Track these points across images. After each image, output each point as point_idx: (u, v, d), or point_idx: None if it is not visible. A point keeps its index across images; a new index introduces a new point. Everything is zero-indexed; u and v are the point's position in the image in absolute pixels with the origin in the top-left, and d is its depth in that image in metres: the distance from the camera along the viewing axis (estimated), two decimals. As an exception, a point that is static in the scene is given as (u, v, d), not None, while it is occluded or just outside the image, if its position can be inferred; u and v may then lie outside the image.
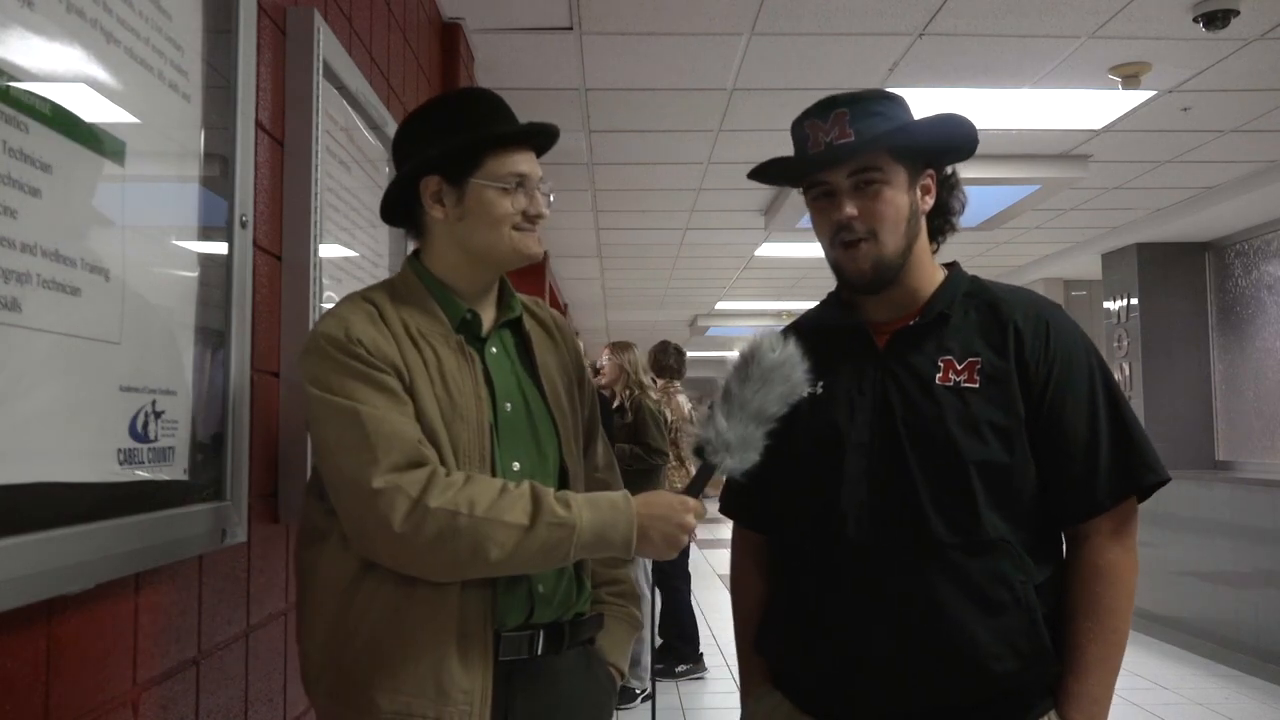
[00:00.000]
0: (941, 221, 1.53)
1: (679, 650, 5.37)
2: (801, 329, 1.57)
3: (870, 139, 1.41)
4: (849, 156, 1.42)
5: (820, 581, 1.44)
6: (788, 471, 1.47)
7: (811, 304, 1.65)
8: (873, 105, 1.43)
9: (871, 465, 1.41)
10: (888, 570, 1.38)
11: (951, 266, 1.55)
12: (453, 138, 1.44)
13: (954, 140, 1.49)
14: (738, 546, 1.65)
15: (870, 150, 1.41)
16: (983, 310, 1.47)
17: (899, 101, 1.47)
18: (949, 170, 1.53)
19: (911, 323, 1.47)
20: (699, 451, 1.40)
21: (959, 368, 1.42)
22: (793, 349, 1.39)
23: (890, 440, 1.41)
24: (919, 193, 1.48)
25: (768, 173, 1.54)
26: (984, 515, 1.37)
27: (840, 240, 1.44)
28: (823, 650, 1.43)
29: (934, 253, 1.54)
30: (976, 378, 1.41)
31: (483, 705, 1.34)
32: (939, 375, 1.42)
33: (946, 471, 1.38)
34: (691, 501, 1.38)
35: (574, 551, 1.32)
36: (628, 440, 4.93)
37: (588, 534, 1.31)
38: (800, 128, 1.47)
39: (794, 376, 1.39)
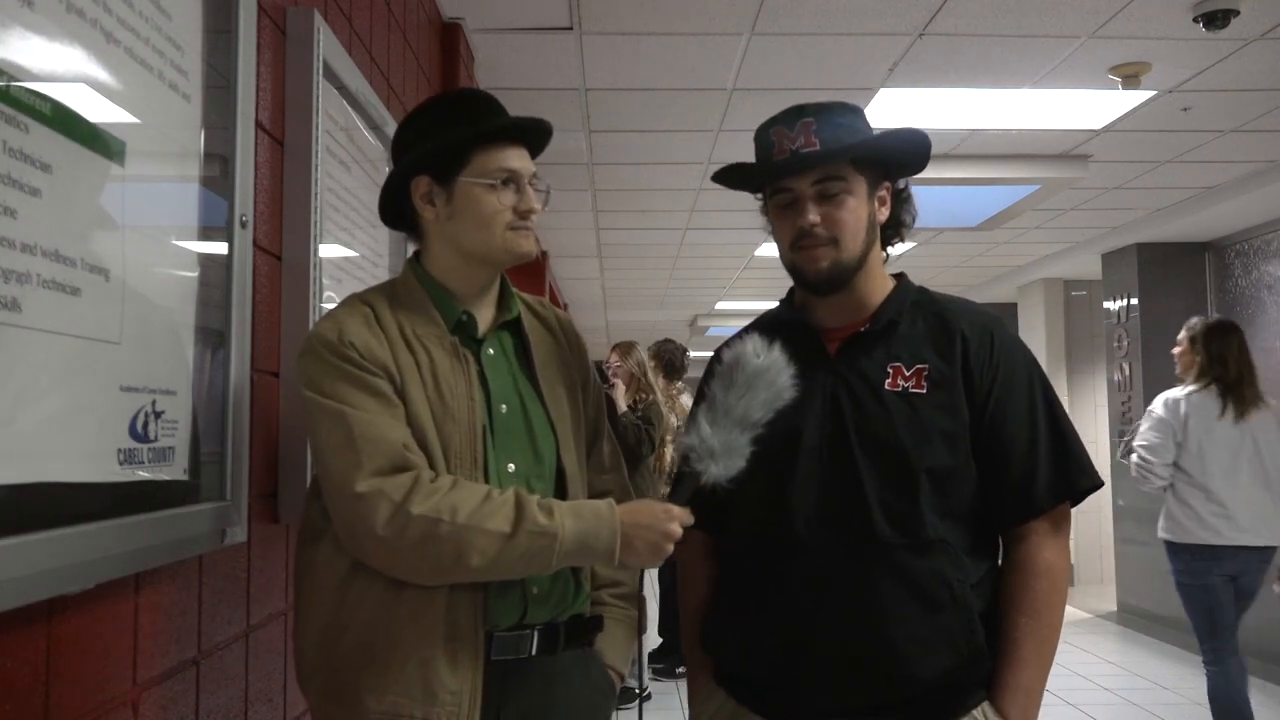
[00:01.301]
0: (892, 232, 1.59)
1: (681, 653, 5.37)
2: (753, 332, 1.59)
3: (835, 149, 1.46)
4: (814, 164, 1.46)
5: (767, 579, 1.47)
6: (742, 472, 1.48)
7: None
8: (837, 116, 1.49)
9: (822, 467, 1.46)
10: (833, 569, 1.42)
11: (899, 276, 1.60)
12: (441, 137, 1.44)
13: (911, 154, 1.55)
14: (685, 548, 1.66)
15: (835, 159, 1.47)
16: (930, 319, 1.52)
17: (860, 114, 1.53)
18: (902, 184, 1.59)
19: (862, 329, 1.52)
20: (684, 458, 1.40)
21: (907, 374, 1.47)
22: (777, 354, 1.41)
23: (840, 443, 1.45)
24: (876, 203, 1.53)
25: (731, 177, 1.59)
26: (927, 517, 1.42)
27: (800, 245, 1.49)
28: (767, 646, 1.46)
29: (884, 262, 1.59)
30: (924, 384, 1.46)
31: (472, 706, 1.34)
32: (888, 381, 1.47)
33: (895, 475, 1.43)
34: (676, 509, 1.38)
35: (556, 560, 1.32)
36: (630, 453, 4.85)
37: (570, 542, 1.32)
38: (766, 134, 1.51)
39: (778, 382, 1.40)
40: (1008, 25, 3.57)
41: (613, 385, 5.05)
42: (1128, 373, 7.29)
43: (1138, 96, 4.29)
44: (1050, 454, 1.48)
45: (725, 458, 1.37)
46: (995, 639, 1.45)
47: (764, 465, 1.45)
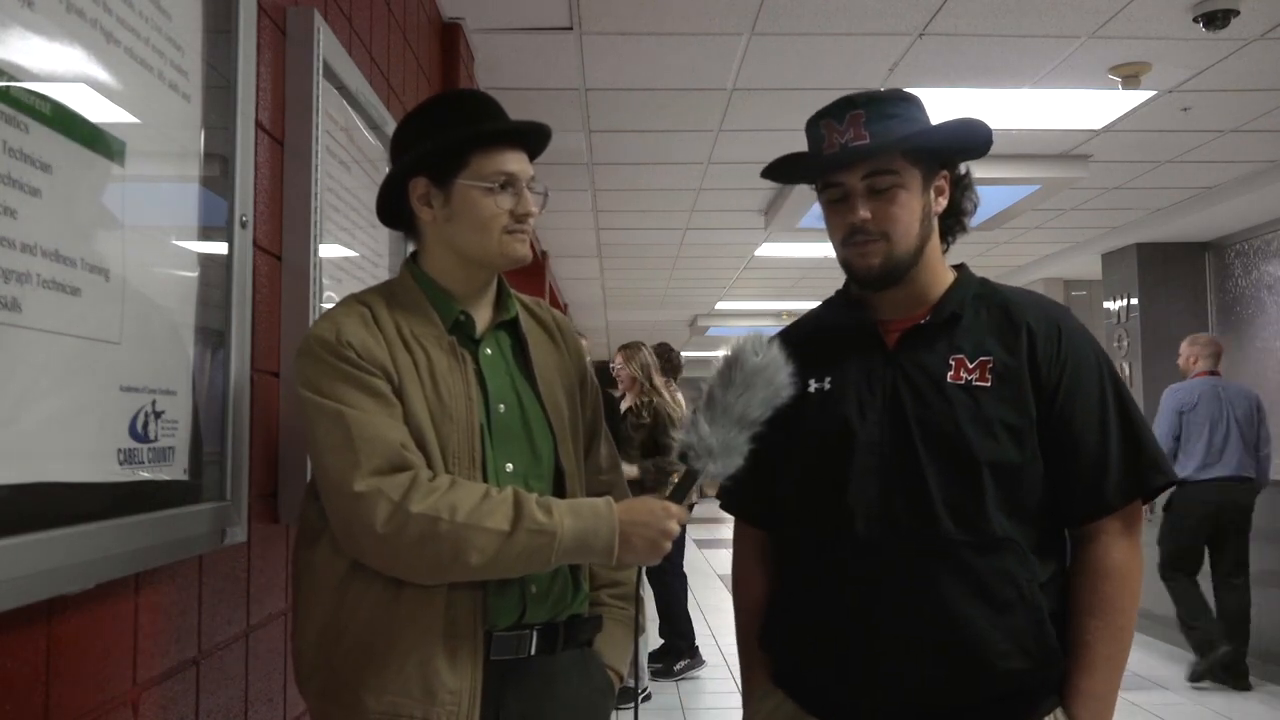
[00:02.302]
0: (953, 221, 1.53)
1: (677, 648, 5.37)
2: (806, 326, 1.57)
3: (885, 142, 1.40)
4: (863, 159, 1.42)
5: (828, 579, 1.43)
6: (795, 468, 1.47)
7: (811, 304, 1.65)
8: (889, 107, 1.43)
9: (882, 463, 1.41)
10: (896, 568, 1.37)
11: (960, 268, 1.55)
12: (439, 138, 1.44)
13: (969, 143, 1.49)
14: (740, 543, 1.64)
15: (884, 153, 1.41)
16: (994, 311, 1.47)
17: (915, 102, 1.47)
18: (963, 170, 1.53)
19: (923, 321, 1.47)
20: (682, 457, 1.39)
21: (970, 366, 1.42)
22: (776, 352, 1.38)
23: (902, 438, 1.40)
24: (933, 194, 1.48)
25: (781, 171, 1.54)
26: (992, 514, 1.37)
27: (852, 242, 1.44)
28: (829, 648, 1.42)
29: (944, 252, 1.53)
30: (988, 376, 1.41)
31: (471, 705, 1.34)
32: (950, 373, 1.41)
33: (958, 470, 1.38)
34: (674, 507, 1.38)
35: (555, 558, 1.32)
36: (646, 451, 4.88)
37: (569, 540, 1.32)
38: (816, 127, 1.46)
39: (777, 380, 1.38)
40: (1008, 25, 3.57)
41: (621, 395, 5.04)
42: (1128, 373, 7.29)
43: (1138, 96, 4.29)
44: (1122, 449, 1.41)
45: (723, 456, 1.36)
46: (1064, 642, 1.40)
47: (822, 461, 1.43)
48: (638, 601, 1.58)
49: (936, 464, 1.38)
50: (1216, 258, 7.08)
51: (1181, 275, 7.14)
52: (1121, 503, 1.42)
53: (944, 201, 1.50)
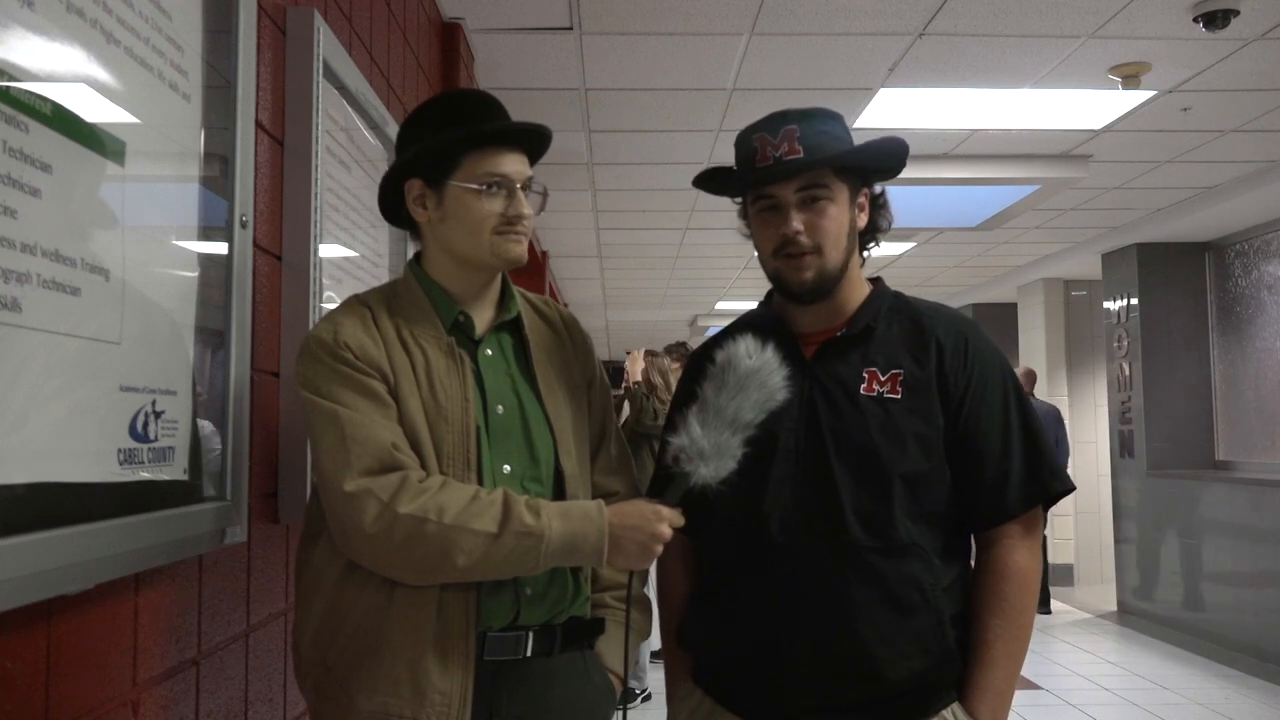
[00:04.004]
0: (868, 238, 1.60)
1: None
2: (736, 331, 1.59)
3: (819, 157, 1.46)
4: (798, 172, 1.47)
5: (743, 580, 1.48)
6: None
7: None
8: (820, 123, 1.49)
9: (798, 470, 1.46)
10: (807, 571, 1.43)
11: (876, 282, 1.61)
12: (432, 139, 1.43)
13: (890, 161, 1.56)
14: (666, 548, 1.66)
15: (819, 167, 1.47)
16: (906, 324, 1.53)
17: (842, 121, 1.54)
18: (879, 190, 1.60)
19: (839, 334, 1.52)
20: (674, 460, 1.40)
21: (882, 379, 1.48)
22: (770, 355, 1.40)
23: (816, 446, 1.46)
24: (856, 210, 1.54)
25: (712, 182, 1.59)
26: (899, 521, 1.42)
27: (785, 253, 1.49)
28: (743, 646, 1.47)
29: (860, 266, 1.60)
30: (899, 389, 1.47)
31: (462, 706, 1.34)
32: (864, 385, 1.48)
33: (868, 478, 1.43)
34: (666, 510, 1.38)
35: (543, 560, 1.33)
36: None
37: (557, 543, 1.32)
38: (748, 141, 1.51)
39: (770, 383, 1.39)
40: (1008, 25, 3.57)
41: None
42: (1128, 373, 7.29)
43: (1138, 96, 4.29)
44: (1023, 458, 1.49)
45: (715, 459, 1.37)
46: (963, 642, 1.46)
47: (743, 466, 1.45)
48: (629, 602, 1.57)
49: (848, 473, 1.44)
50: (1216, 258, 7.07)
51: (1181, 275, 7.13)
52: (1023, 509, 1.49)
53: (865, 219, 1.56)
